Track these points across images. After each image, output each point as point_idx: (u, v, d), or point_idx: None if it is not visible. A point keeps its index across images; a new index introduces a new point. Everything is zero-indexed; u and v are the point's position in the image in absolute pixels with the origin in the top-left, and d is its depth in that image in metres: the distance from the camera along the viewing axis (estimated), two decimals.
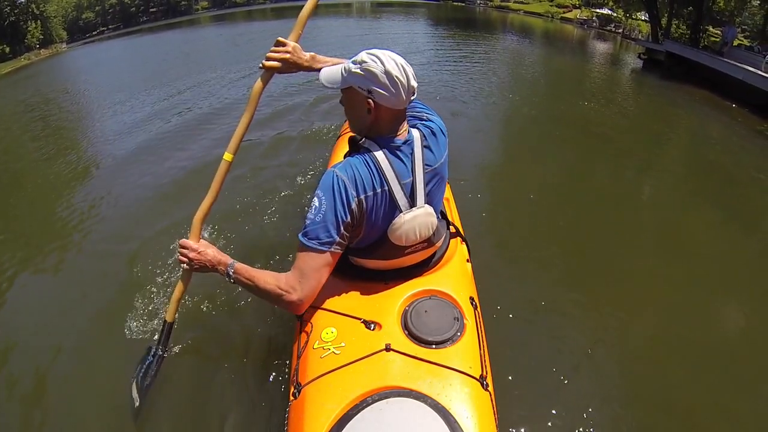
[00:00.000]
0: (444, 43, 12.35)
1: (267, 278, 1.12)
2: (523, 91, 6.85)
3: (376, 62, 1.04)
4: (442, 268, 1.28)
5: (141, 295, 1.91)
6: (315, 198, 1.07)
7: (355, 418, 0.89)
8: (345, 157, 1.16)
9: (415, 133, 1.14)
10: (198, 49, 15.14)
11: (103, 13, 40.49)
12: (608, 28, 20.94)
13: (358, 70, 1.05)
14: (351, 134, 1.18)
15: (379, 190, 1.08)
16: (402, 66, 1.05)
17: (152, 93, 7.34)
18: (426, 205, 1.14)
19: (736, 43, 11.19)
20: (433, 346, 1.03)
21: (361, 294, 1.19)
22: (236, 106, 5.54)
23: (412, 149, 1.12)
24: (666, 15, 13.66)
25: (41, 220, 3.18)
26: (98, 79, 11.42)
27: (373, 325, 1.09)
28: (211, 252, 1.21)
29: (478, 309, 1.19)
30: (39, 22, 28.92)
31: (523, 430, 1.39)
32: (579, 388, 1.56)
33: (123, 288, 2.02)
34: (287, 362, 1.21)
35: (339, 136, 2.67)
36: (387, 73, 1.03)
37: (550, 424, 1.42)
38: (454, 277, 1.26)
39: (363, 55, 1.07)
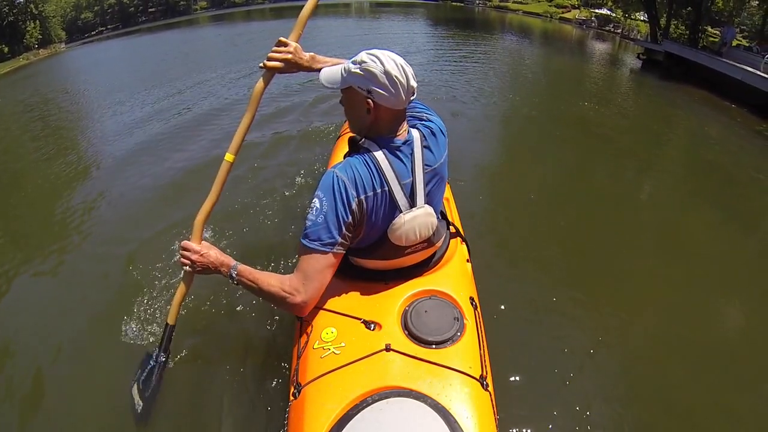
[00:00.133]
0: (443, 43, 12.35)
1: (270, 280, 1.12)
2: (523, 91, 6.86)
3: (375, 62, 1.04)
4: (442, 268, 1.28)
5: (142, 297, 1.91)
6: (315, 199, 1.07)
7: (355, 418, 0.89)
8: (345, 157, 1.16)
9: (415, 133, 1.14)
10: (197, 49, 15.13)
11: (101, 13, 40.46)
12: (607, 28, 20.96)
13: (358, 70, 1.05)
14: (351, 134, 1.18)
15: (379, 191, 1.08)
16: (401, 66, 1.05)
17: (152, 93, 7.34)
18: (426, 205, 1.14)
19: (734, 43, 11.21)
20: (433, 346, 1.03)
21: (361, 294, 1.19)
22: (236, 106, 5.54)
23: (412, 149, 1.12)
24: (665, 15, 13.68)
25: (41, 220, 3.17)
26: (97, 79, 11.41)
27: (373, 325, 1.09)
28: (213, 254, 1.20)
29: (478, 309, 1.19)
30: (38, 22, 28.89)
31: (523, 430, 1.39)
32: (579, 388, 1.56)
33: (123, 290, 2.01)
34: (287, 362, 1.21)
35: (339, 137, 2.68)
36: (386, 73, 1.03)
37: (550, 424, 1.42)
38: (454, 277, 1.26)
39: (362, 55, 1.07)
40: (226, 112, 5.33)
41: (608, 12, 21.47)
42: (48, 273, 2.40)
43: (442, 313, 1.10)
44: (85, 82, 11.19)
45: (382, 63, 1.03)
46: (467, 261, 1.40)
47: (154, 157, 4.01)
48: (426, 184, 1.14)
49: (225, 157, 1.28)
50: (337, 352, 1.03)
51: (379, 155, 1.08)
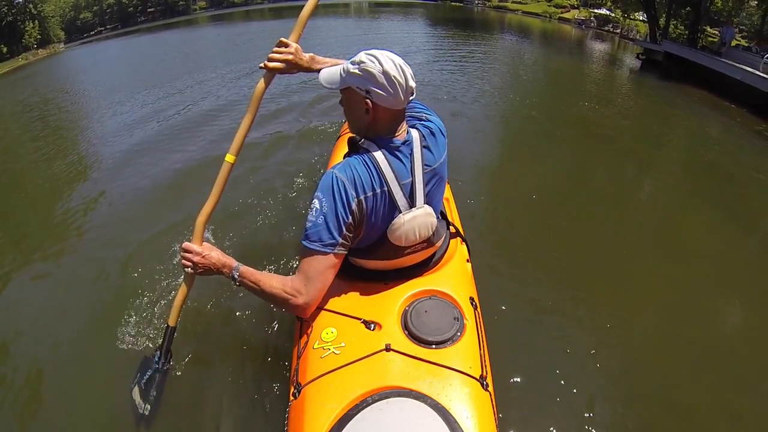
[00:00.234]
0: (443, 44, 12.35)
1: (273, 282, 1.12)
2: (523, 91, 6.86)
3: (374, 62, 1.04)
4: (442, 268, 1.28)
5: (142, 299, 1.90)
6: (315, 200, 1.07)
7: (355, 418, 0.89)
8: (344, 157, 1.16)
9: (415, 133, 1.14)
10: (196, 49, 15.12)
11: (100, 13, 40.40)
12: (606, 28, 20.96)
13: (356, 71, 1.06)
14: (350, 135, 1.18)
15: (378, 191, 1.08)
16: (400, 66, 1.05)
17: (151, 93, 7.33)
18: (425, 205, 1.14)
19: (734, 43, 11.22)
20: (433, 346, 1.03)
21: (361, 294, 1.19)
22: (236, 106, 5.53)
23: (412, 149, 1.12)
24: (664, 15, 13.69)
25: (40, 221, 3.16)
26: (96, 79, 11.40)
27: (373, 325, 1.09)
28: (215, 255, 1.20)
29: (478, 309, 1.19)
30: (36, 22, 28.85)
31: (523, 430, 1.39)
32: (579, 388, 1.56)
33: (124, 292, 2.00)
34: (287, 362, 1.21)
35: (339, 137, 2.68)
36: (385, 73, 1.03)
37: (550, 423, 1.42)
38: (454, 277, 1.26)
39: (361, 56, 1.07)
40: (227, 112, 5.33)
41: (607, 12, 21.49)
42: (48, 274, 2.40)
43: (442, 313, 1.10)
44: (84, 82, 11.19)
45: (380, 63, 1.03)
46: (467, 261, 1.40)
47: (154, 158, 4.00)
48: (425, 184, 1.14)
49: (225, 158, 1.28)
50: (337, 352, 1.03)
51: (379, 155, 1.08)
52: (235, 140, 1.29)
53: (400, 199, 1.10)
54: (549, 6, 27.23)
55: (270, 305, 1.56)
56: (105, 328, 1.75)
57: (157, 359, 1.34)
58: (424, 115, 1.23)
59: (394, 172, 1.08)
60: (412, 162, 1.11)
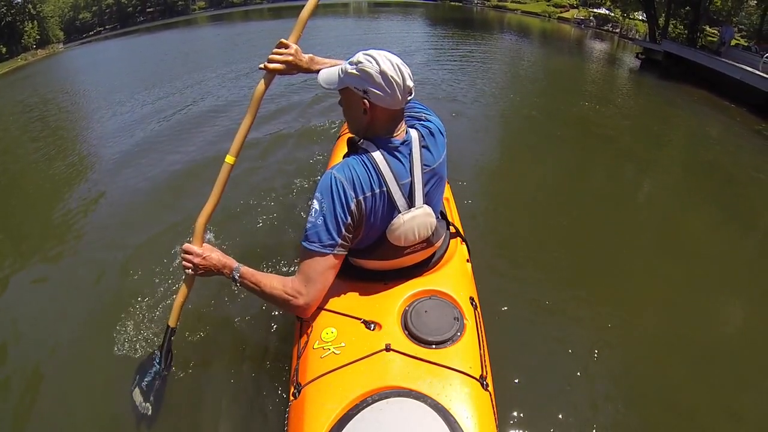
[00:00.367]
0: (442, 43, 12.35)
1: (273, 283, 1.12)
2: (522, 91, 6.86)
3: (371, 62, 1.04)
4: (442, 268, 1.28)
5: (142, 300, 1.90)
6: (314, 201, 1.07)
7: (355, 418, 0.89)
8: (344, 158, 1.16)
9: (414, 133, 1.14)
10: (196, 49, 15.11)
11: (100, 13, 40.33)
12: (605, 27, 20.94)
13: (354, 71, 1.06)
14: (350, 135, 1.18)
15: (377, 191, 1.08)
16: (397, 66, 1.05)
17: (151, 93, 7.33)
18: (425, 205, 1.14)
19: (733, 42, 11.22)
20: (433, 346, 1.03)
21: (361, 294, 1.19)
22: (236, 106, 5.53)
23: (411, 149, 1.12)
24: (663, 15, 13.69)
25: (40, 222, 3.16)
26: (96, 79, 11.40)
27: (373, 325, 1.09)
28: (215, 256, 1.20)
29: (478, 309, 1.19)
30: (36, 22, 28.79)
31: (523, 430, 1.39)
32: (580, 388, 1.56)
33: (124, 293, 2.00)
34: (287, 362, 1.22)
35: (339, 137, 2.68)
36: (382, 73, 1.03)
37: (550, 423, 1.42)
38: (454, 277, 1.26)
39: (359, 56, 1.07)
40: (226, 112, 5.33)
41: (606, 12, 21.47)
42: (48, 275, 2.40)
43: (442, 313, 1.10)
44: (83, 83, 11.18)
45: (377, 63, 1.04)
46: (467, 261, 1.40)
47: (154, 159, 4.00)
48: (425, 185, 1.14)
49: (225, 159, 1.28)
50: (337, 352, 1.03)
51: (377, 155, 1.08)
52: (235, 141, 1.29)
53: (399, 199, 1.10)
54: (548, 5, 27.19)
55: (270, 305, 1.56)
56: (105, 330, 1.75)
57: (157, 360, 1.34)
58: (424, 115, 1.23)
59: (392, 172, 1.08)
60: (411, 162, 1.11)
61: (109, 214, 3.05)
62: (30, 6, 28.57)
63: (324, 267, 1.08)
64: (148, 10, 43.20)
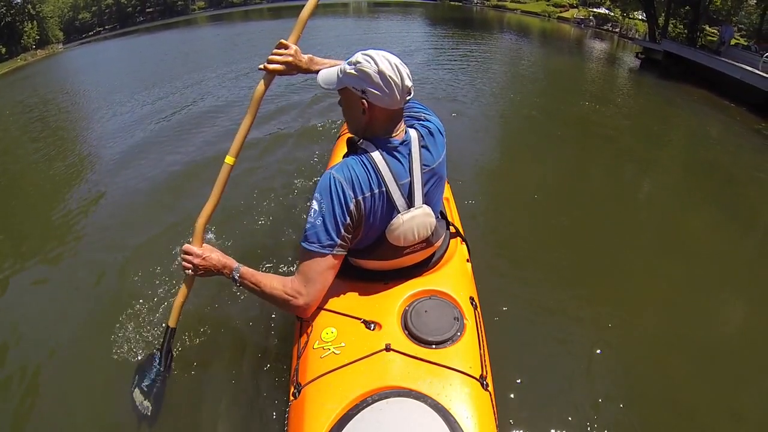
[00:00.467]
0: (442, 43, 12.35)
1: (273, 283, 1.12)
2: (522, 90, 6.87)
3: (369, 62, 1.04)
4: (442, 268, 1.28)
5: (142, 300, 1.90)
6: (313, 201, 1.07)
7: (355, 418, 0.89)
8: (343, 158, 1.16)
9: (413, 133, 1.14)
10: (196, 49, 15.11)
11: (99, 14, 40.31)
12: (605, 27, 20.95)
13: (353, 71, 1.06)
14: (350, 135, 1.18)
15: (376, 191, 1.08)
16: (396, 66, 1.05)
17: (151, 93, 7.33)
18: (424, 205, 1.14)
19: (733, 42, 11.22)
20: (433, 346, 1.03)
21: (361, 294, 1.19)
22: (236, 106, 5.52)
23: (410, 149, 1.12)
24: (663, 14, 13.69)
25: (40, 223, 3.16)
26: (96, 79, 11.40)
27: (373, 325, 1.09)
28: (215, 256, 1.20)
29: (478, 309, 1.19)
30: (35, 22, 28.75)
31: (523, 430, 1.39)
32: (580, 388, 1.56)
33: (124, 293, 2.00)
34: (287, 362, 1.22)
35: (339, 137, 2.68)
36: (380, 72, 1.03)
37: (550, 423, 1.42)
38: (454, 277, 1.26)
39: (357, 56, 1.07)
40: (226, 112, 5.33)
41: (606, 11, 21.48)
42: (47, 276, 2.40)
43: (442, 313, 1.10)
44: (83, 83, 11.18)
45: (375, 63, 1.04)
46: (467, 261, 1.40)
47: (154, 159, 4.00)
48: (424, 184, 1.14)
49: (225, 160, 1.28)
50: (337, 352, 1.03)
51: (376, 155, 1.08)
52: (235, 142, 1.29)
53: (398, 199, 1.10)
54: (548, 5, 27.18)
55: (270, 305, 1.56)
56: (105, 330, 1.75)
57: (157, 360, 1.34)
58: (423, 114, 1.23)
59: (391, 172, 1.08)
60: (410, 162, 1.11)
61: (109, 214, 3.05)
62: (29, 6, 28.53)
63: (323, 267, 1.08)
64: (148, 10, 43.19)
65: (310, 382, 0.99)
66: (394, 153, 1.10)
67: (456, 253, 1.35)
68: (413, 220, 1.12)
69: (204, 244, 1.25)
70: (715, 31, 13.01)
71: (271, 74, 1.28)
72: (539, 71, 9.05)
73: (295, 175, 3.11)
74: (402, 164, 1.10)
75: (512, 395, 1.48)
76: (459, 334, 1.06)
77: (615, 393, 1.57)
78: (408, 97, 1.10)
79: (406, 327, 1.07)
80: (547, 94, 6.89)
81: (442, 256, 1.30)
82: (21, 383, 1.65)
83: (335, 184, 1.05)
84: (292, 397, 1.01)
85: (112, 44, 24.54)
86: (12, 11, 27.56)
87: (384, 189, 1.08)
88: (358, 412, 0.90)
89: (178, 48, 15.88)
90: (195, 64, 10.50)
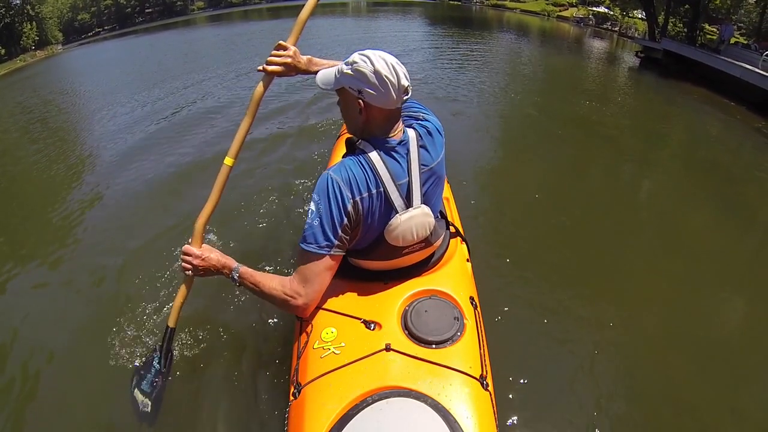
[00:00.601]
0: (442, 43, 12.34)
1: (272, 283, 1.13)
2: (522, 90, 6.86)
3: (366, 62, 1.04)
4: (442, 267, 1.28)
5: (142, 301, 1.90)
6: (311, 202, 1.07)
7: (355, 418, 0.89)
8: (342, 158, 1.16)
9: (411, 133, 1.14)
10: (195, 49, 15.10)
11: (98, 14, 40.30)
12: (605, 26, 20.95)
13: (349, 71, 1.06)
14: (348, 135, 1.18)
15: (374, 191, 1.08)
16: (392, 65, 1.05)
17: (151, 93, 7.33)
18: (423, 205, 1.14)
19: (732, 41, 11.22)
20: (433, 346, 1.03)
21: (361, 294, 1.19)
22: (236, 106, 5.53)
23: (408, 149, 1.11)
24: (663, 13, 13.69)
25: (40, 223, 3.16)
26: (95, 80, 11.40)
27: (373, 325, 1.09)
28: (214, 256, 1.20)
29: (478, 309, 1.19)
30: (34, 23, 28.73)
31: (523, 430, 1.39)
32: (580, 387, 1.56)
33: (123, 294, 2.01)
34: (287, 362, 1.22)
35: (338, 137, 2.67)
36: (376, 72, 1.03)
37: (550, 423, 1.42)
38: (454, 276, 1.26)
39: (354, 56, 1.07)
40: (226, 113, 5.33)
41: (605, 10, 21.48)
42: (47, 277, 2.40)
43: (442, 313, 1.10)
44: (83, 84, 11.17)
45: (372, 63, 1.03)
46: (467, 260, 1.40)
47: (154, 160, 4.00)
48: (422, 184, 1.13)
49: (224, 161, 1.28)
50: (337, 352, 1.03)
51: (374, 156, 1.08)
52: (234, 143, 1.29)
53: (396, 200, 1.10)
54: (547, 4, 27.19)
55: (269, 305, 1.56)
56: (105, 331, 1.76)
57: (157, 360, 1.34)
58: (421, 114, 1.23)
59: (389, 173, 1.08)
60: (408, 162, 1.11)
61: (108, 215, 3.05)
62: (29, 7, 28.53)
63: (321, 268, 1.08)
64: (147, 10, 43.18)
65: (310, 381, 0.99)
66: (392, 153, 1.10)
67: (456, 253, 1.35)
68: (412, 220, 1.12)
69: (203, 245, 1.25)
70: (715, 30, 13.01)
71: (270, 75, 1.28)
72: (539, 71, 9.04)
73: (294, 176, 3.11)
74: (400, 164, 1.10)
75: (512, 395, 1.48)
76: (459, 334, 1.06)
77: (615, 392, 1.57)
78: (405, 97, 1.10)
79: (406, 327, 1.07)
80: (547, 94, 6.89)
81: (442, 256, 1.30)
82: (22, 384, 1.65)
83: (332, 185, 1.05)
84: (292, 397, 1.01)
85: (112, 45, 24.53)
86: (11, 12, 27.56)
87: (382, 189, 1.08)
88: (358, 412, 0.90)
89: (177, 48, 15.87)
90: (194, 65, 10.50)
